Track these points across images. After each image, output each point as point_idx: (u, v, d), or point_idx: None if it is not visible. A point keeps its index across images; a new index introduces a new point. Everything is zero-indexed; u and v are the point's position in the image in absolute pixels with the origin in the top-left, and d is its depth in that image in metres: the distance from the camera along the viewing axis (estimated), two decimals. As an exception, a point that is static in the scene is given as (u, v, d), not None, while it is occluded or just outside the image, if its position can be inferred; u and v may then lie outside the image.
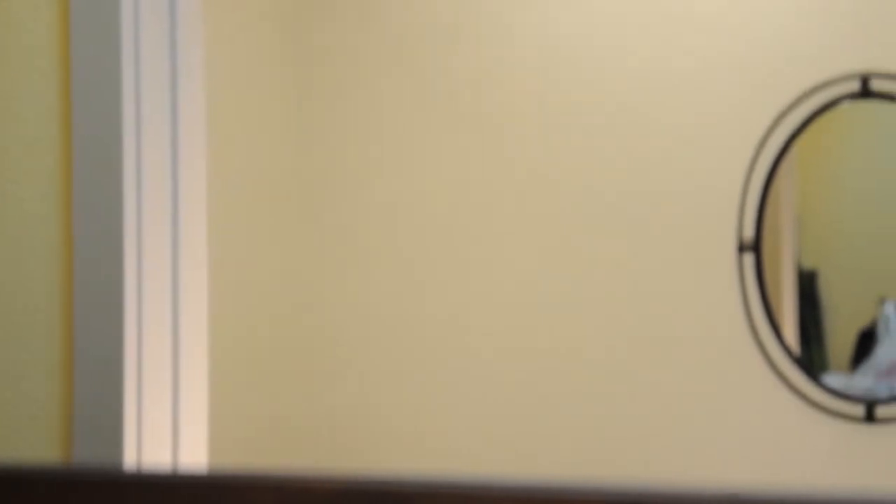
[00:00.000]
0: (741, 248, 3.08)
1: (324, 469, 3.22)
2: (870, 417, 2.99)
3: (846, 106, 3.06)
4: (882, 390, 3.02)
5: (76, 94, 1.68)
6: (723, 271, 3.07)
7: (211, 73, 2.83)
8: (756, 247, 3.07)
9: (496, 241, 3.24)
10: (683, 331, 3.07)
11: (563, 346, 3.16)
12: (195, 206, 1.70)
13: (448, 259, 3.28)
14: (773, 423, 3.03)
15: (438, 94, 3.30)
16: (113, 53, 1.65)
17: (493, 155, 3.25)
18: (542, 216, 3.20)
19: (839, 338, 3.18)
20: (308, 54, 3.40)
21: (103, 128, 1.65)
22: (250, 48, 3.30)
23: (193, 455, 1.64)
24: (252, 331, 3.26)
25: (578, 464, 3.10)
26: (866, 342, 3.14)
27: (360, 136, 3.36)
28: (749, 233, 3.07)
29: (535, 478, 2.93)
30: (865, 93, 3.02)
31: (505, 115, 3.24)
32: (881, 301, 3.10)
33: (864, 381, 3.08)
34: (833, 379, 3.08)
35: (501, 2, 3.26)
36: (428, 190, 3.29)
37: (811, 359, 3.11)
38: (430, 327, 3.28)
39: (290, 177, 3.39)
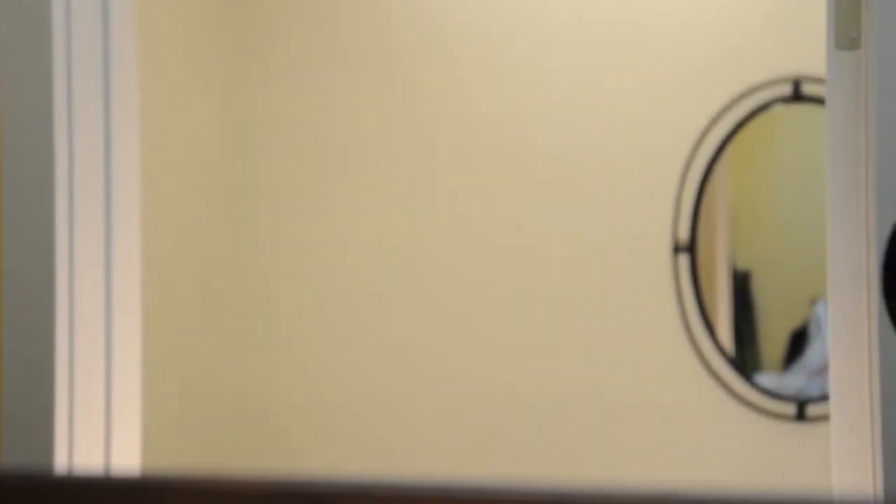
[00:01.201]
0: (676, 249, 3.10)
1: (253, 471, 3.20)
2: (801, 416, 3.03)
3: (778, 109, 3.10)
4: (813, 389, 3.06)
5: (4, 92, 1.66)
6: (658, 272, 3.09)
7: (143, 72, 2.80)
8: (691, 248, 3.10)
9: (433, 243, 3.23)
10: (619, 330, 3.09)
11: (497, 345, 3.17)
12: (128, 205, 1.69)
13: (387, 258, 3.27)
14: (706, 422, 3.06)
15: (381, 88, 3.29)
16: (44, 56, 1.63)
17: (434, 158, 3.25)
18: (477, 218, 3.21)
19: (772, 338, 3.22)
20: (246, 58, 3.38)
21: (34, 127, 1.63)
22: (185, 42, 3.28)
23: (126, 457, 1.63)
24: (187, 331, 3.23)
25: (511, 464, 3.11)
26: (798, 342, 3.18)
27: (298, 135, 3.35)
28: (684, 234, 3.10)
29: (466, 479, 2.94)
30: (797, 96, 3.06)
31: (447, 120, 3.24)
32: (813, 301, 3.14)
33: (795, 380, 3.13)
34: (766, 378, 3.11)
35: (447, 8, 3.27)
36: (370, 186, 3.29)
37: (744, 358, 3.14)
38: (368, 327, 3.27)
39: (226, 173, 3.37)
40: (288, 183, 3.35)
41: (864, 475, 1.48)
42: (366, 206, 3.29)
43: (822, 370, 3.05)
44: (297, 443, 3.30)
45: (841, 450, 1.55)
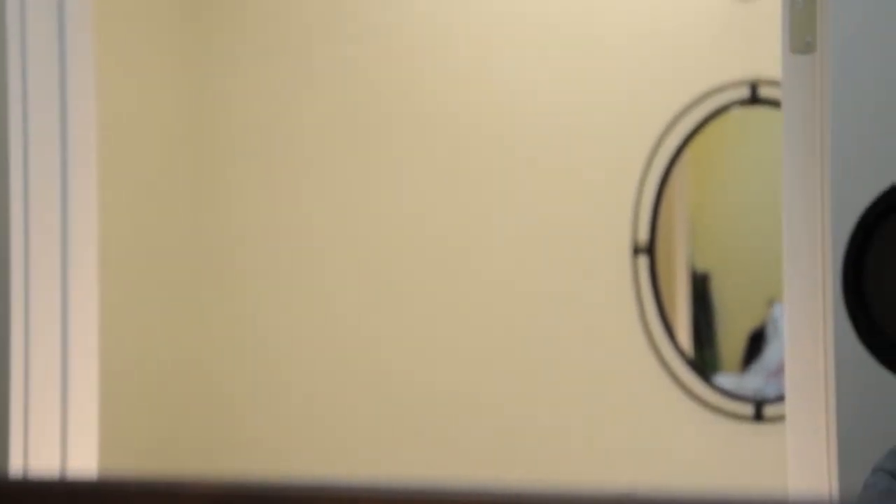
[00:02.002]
0: (636, 251, 3.12)
1: (208, 464, 3.19)
2: (758, 416, 3.05)
3: (736, 112, 3.12)
4: (771, 390, 3.09)
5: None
6: (617, 273, 3.10)
7: (101, 79, 2.79)
8: (650, 249, 3.12)
9: (392, 241, 3.23)
10: (578, 332, 3.10)
11: (456, 345, 3.17)
12: (85, 210, 1.68)
13: (346, 251, 3.26)
14: (665, 422, 3.07)
15: (335, 95, 3.29)
16: None
17: (395, 157, 3.25)
18: (435, 217, 3.21)
19: (730, 339, 3.24)
20: (205, 61, 3.37)
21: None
22: (144, 33, 3.26)
23: (83, 460, 1.61)
24: (143, 335, 3.21)
25: (471, 466, 3.11)
26: (756, 343, 3.20)
27: (258, 122, 3.34)
28: (643, 236, 3.12)
29: (422, 480, 2.94)
30: (755, 99, 3.08)
31: (404, 121, 3.24)
32: (771, 303, 3.16)
33: (753, 381, 3.15)
34: (724, 379, 3.13)
35: (401, 11, 3.26)
36: (329, 178, 3.28)
37: (703, 359, 3.16)
38: (327, 317, 3.26)
39: (183, 164, 3.35)
40: (246, 170, 3.34)
41: (819, 475, 1.49)
42: (325, 197, 3.28)
43: (780, 371, 3.07)
44: (254, 432, 3.28)
45: (797, 450, 1.57)
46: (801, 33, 1.52)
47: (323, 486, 0.62)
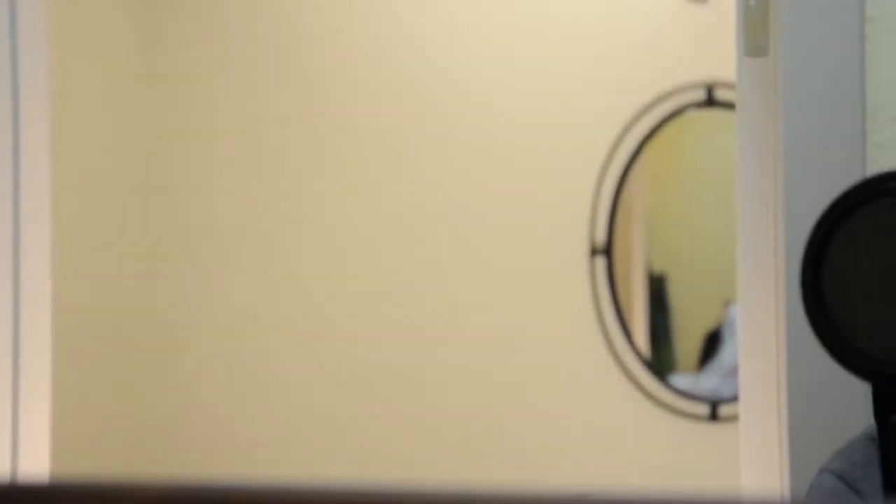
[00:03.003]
0: (593, 252, 3.13)
1: (154, 476, 3.17)
2: (714, 416, 3.08)
3: (692, 114, 3.14)
4: (726, 390, 3.11)
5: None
6: (575, 275, 3.11)
7: (56, 70, 2.77)
8: (607, 250, 3.13)
9: (345, 241, 3.22)
10: (536, 332, 3.11)
11: (415, 347, 3.17)
12: (38, 199, 1.66)
13: (298, 260, 3.26)
14: (622, 423, 3.09)
15: (289, 95, 3.28)
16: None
17: (347, 154, 3.24)
18: (393, 217, 3.21)
19: (687, 339, 3.26)
20: (158, 52, 3.35)
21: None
22: (98, 41, 3.24)
23: (35, 463, 1.60)
24: (98, 332, 3.19)
25: (428, 466, 3.11)
26: (713, 343, 3.22)
27: (211, 128, 3.32)
28: (601, 237, 3.13)
29: (384, 482, 2.94)
30: (710, 101, 3.10)
31: (361, 119, 3.23)
32: (727, 304, 3.18)
33: (709, 381, 3.17)
34: (680, 379, 3.15)
35: (367, 11, 3.26)
36: (277, 190, 3.27)
37: (660, 360, 3.18)
38: (278, 338, 3.25)
39: (138, 167, 3.33)
40: (208, 169, 3.32)
41: (771, 474, 1.50)
42: (274, 213, 3.27)
43: (735, 371, 3.09)
44: (202, 456, 3.27)
45: (749, 449, 1.58)
46: (755, 36, 1.53)
47: (271, 489, 0.62)
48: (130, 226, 3.31)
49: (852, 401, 1.33)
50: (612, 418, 3.09)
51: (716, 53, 3.01)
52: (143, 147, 3.34)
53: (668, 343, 3.25)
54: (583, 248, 3.12)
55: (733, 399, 3.06)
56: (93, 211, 3.18)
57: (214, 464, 3.21)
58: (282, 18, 3.30)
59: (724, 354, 3.16)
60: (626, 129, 3.11)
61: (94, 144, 3.20)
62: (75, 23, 3.12)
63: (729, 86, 3.03)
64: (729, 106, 3.04)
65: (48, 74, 1.70)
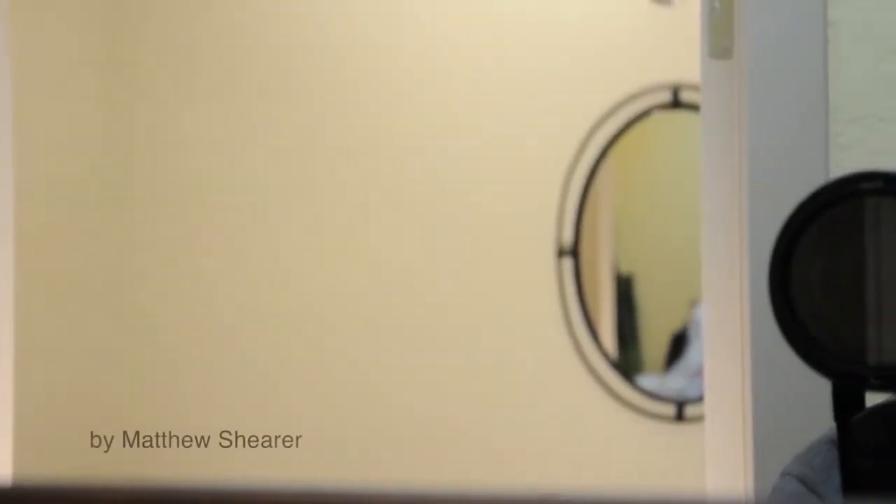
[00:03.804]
0: (560, 253, 3.14)
1: (123, 478, 3.15)
2: (680, 417, 3.09)
3: (658, 115, 3.15)
4: (692, 391, 3.12)
5: None
6: (542, 275, 3.12)
7: (19, 62, 2.75)
8: (574, 251, 3.14)
9: (310, 242, 3.22)
10: (503, 334, 3.12)
11: (380, 348, 3.16)
12: (0, 198, 1.65)
13: (263, 266, 3.24)
14: (589, 423, 3.10)
15: (257, 93, 3.27)
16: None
17: (312, 155, 3.23)
18: (359, 218, 3.20)
19: (654, 340, 3.27)
20: (119, 48, 3.33)
21: None
22: (59, 47, 3.22)
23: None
24: (64, 332, 3.17)
25: (393, 468, 3.11)
26: (679, 344, 3.24)
27: (176, 143, 3.31)
28: (568, 238, 3.14)
29: (348, 483, 2.92)
30: (676, 103, 3.12)
31: (328, 118, 3.23)
32: (693, 304, 3.20)
33: (676, 381, 3.18)
34: (647, 380, 3.16)
35: (322, 10, 3.26)
36: (246, 185, 3.26)
37: (627, 360, 3.19)
38: (243, 335, 3.24)
39: (104, 163, 3.31)
40: (164, 189, 3.31)
41: (735, 475, 1.51)
42: (240, 214, 3.26)
43: (701, 371, 3.11)
44: (174, 457, 3.25)
45: (714, 450, 1.59)
46: (720, 38, 1.54)
47: (237, 490, 0.62)
48: (98, 223, 3.29)
49: (816, 402, 1.34)
50: (579, 419, 3.09)
51: (682, 55, 3.02)
52: (111, 142, 3.32)
53: (635, 344, 3.27)
54: (550, 250, 3.13)
55: (699, 399, 3.08)
56: (59, 208, 3.16)
57: (185, 465, 3.19)
58: (250, 13, 3.29)
59: (691, 355, 3.18)
60: (593, 131, 3.12)
61: (59, 140, 3.18)
62: (39, 18, 3.10)
63: (695, 88, 3.04)
64: (695, 108, 3.05)
65: (10, 66, 1.68)
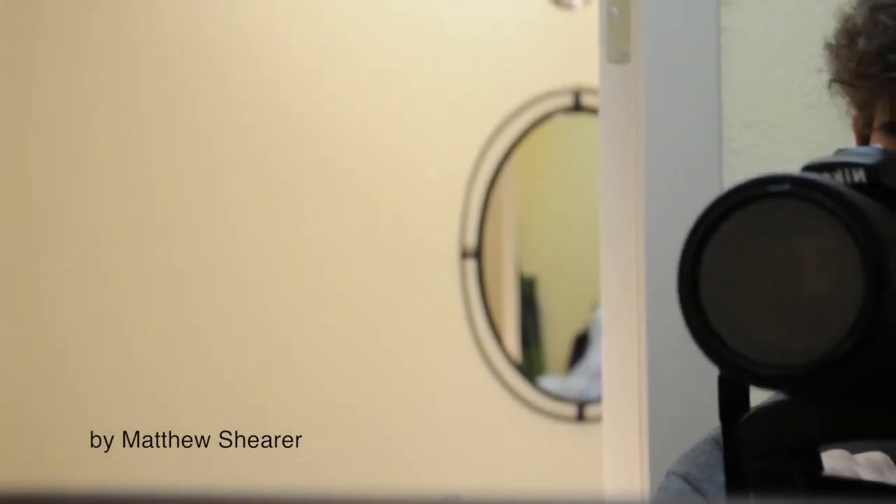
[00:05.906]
0: (463, 255, 3.15)
1: (22, 479, 3.10)
2: (580, 417, 3.12)
3: (560, 119, 3.18)
4: (593, 391, 3.16)
5: None
6: (445, 277, 3.13)
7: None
8: (478, 253, 3.16)
9: (210, 250, 3.19)
10: (405, 335, 3.12)
11: (279, 348, 3.15)
12: None
13: (165, 264, 3.21)
14: (491, 424, 3.11)
15: (145, 90, 3.23)
16: None
17: (213, 163, 3.21)
18: (259, 219, 3.18)
19: (556, 341, 3.30)
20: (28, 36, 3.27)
21: None
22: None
23: None
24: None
25: (293, 469, 3.09)
26: (582, 345, 3.27)
27: (72, 137, 3.26)
28: (471, 240, 3.15)
29: (245, 484, 2.90)
30: (577, 107, 3.15)
31: (230, 119, 3.20)
32: (594, 306, 3.23)
33: (577, 382, 3.22)
34: (549, 381, 3.19)
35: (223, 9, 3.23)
36: (147, 188, 3.22)
37: (530, 362, 3.21)
38: (148, 332, 3.20)
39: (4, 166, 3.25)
40: (63, 182, 3.26)
41: (632, 475, 1.53)
42: (142, 208, 3.22)
43: (601, 372, 3.15)
44: (73, 457, 3.20)
45: (612, 450, 1.61)
46: (617, 43, 1.56)
47: (133, 493, 0.61)
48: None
49: (711, 403, 1.36)
50: (481, 420, 3.11)
51: (582, 59, 3.05)
52: (4, 137, 3.26)
53: (538, 345, 3.29)
54: (453, 251, 3.14)
55: (599, 400, 3.11)
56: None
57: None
58: (143, 6, 3.25)
59: (591, 356, 3.21)
60: (495, 134, 3.14)
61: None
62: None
63: (596, 92, 3.06)
64: (596, 111, 3.07)
65: None
